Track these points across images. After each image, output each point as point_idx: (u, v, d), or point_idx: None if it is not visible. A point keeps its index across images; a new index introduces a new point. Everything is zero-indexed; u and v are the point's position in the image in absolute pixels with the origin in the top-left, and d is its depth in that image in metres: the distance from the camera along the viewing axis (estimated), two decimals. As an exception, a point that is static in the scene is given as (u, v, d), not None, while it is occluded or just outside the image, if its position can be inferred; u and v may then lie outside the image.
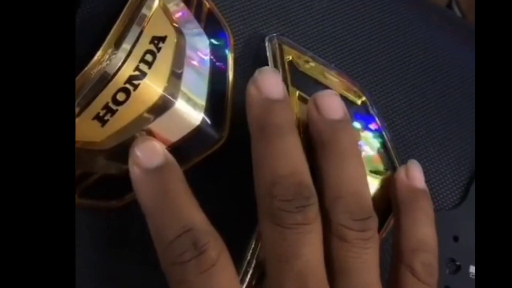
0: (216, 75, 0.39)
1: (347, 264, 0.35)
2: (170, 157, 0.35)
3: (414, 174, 0.41)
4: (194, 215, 0.33)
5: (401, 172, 0.41)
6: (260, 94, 0.36)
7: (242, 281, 0.37)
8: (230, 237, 0.37)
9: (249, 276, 0.37)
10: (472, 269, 0.46)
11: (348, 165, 0.36)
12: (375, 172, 0.42)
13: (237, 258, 0.37)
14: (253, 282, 0.37)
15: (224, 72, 0.40)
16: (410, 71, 0.50)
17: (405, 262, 0.37)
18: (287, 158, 0.34)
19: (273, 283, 0.34)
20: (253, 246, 0.38)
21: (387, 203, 0.42)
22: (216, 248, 0.33)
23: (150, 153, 0.34)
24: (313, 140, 0.38)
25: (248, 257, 0.38)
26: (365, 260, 0.35)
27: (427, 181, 0.45)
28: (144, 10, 0.36)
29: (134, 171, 0.34)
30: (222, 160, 0.40)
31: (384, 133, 0.44)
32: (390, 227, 0.42)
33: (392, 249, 0.39)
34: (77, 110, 0.34)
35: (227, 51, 0.41)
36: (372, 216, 0.36)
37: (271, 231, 0.34)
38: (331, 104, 0.38)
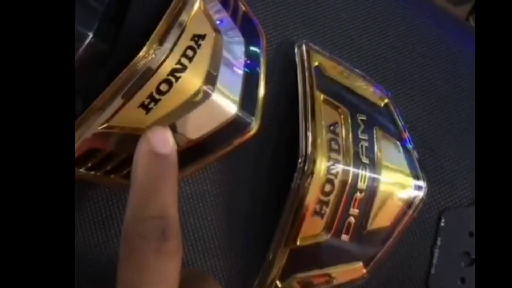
0: (249, 73, 0.41)
1: None
2: (175, 154, 0.36)
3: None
4: (172, 209, 0.35)
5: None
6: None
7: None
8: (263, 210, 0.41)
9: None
10: (486, 262, 0.47)
11: None
12: (396, 174, 0.43)
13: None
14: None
15: (257, 71, 0.42)
16: (430, 78, 0.51)
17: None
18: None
19: None
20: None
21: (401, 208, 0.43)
22: (176, 243, 0.34)
23: (164, 141, 0.36)
24: None
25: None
26: None
27: (445, 180, 0.46)
28: (185, 11, 0.38)
29: (143, 147, 0.35)
30: (253, 150, 0.42)
31: (405, 134, 0.46)
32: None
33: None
34: (124, 99, 0.36)
35: (259, 52, 0.43)
36: None
37: None
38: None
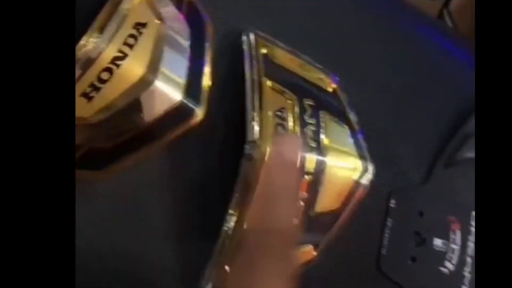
0: (195, 61, 0.41)
1: None
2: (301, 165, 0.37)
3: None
4: (295, 222, 0.35)
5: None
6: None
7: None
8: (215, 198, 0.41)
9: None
10: (435, 241, 0.48)
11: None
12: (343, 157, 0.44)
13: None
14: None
15: (202, 59, 0.42)
16: (379, 65, 0.52)
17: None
18: None
19: None
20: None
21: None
22: (295, 258, 0.36)
23: (295, 148, 0.37)
24: None
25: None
26: None
27: (393, 161, 0.47)
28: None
29: (273, 153, 0.36)
30: (200, 135, 0.42)
31: (352, 118, 0.46)
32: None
33: None
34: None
35: (205, 40, 0.43)
36: None
37: None
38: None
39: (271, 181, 0.35)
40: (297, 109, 0.43)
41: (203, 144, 0.44)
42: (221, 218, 0.40)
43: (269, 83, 0.43)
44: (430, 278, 0.48)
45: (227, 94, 0.45)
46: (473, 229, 0.49)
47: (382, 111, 0.50)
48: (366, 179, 0.43)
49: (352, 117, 0.45)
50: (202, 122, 0.41)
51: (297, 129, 0.42)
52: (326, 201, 0.42)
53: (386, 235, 0.48)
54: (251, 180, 0.39)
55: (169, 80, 0.39)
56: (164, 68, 0.38)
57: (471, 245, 0.48)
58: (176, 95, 0.39)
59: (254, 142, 0.40)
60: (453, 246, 0.48)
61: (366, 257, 0.48)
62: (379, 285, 0.48)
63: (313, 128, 0.42)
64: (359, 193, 0.43)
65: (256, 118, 0.40)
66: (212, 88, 0.42)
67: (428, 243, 0.48)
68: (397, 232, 0.48)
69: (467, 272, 0.48)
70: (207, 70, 0.42)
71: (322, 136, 0.43)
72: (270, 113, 0.41)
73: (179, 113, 0.39)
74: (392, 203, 0.49)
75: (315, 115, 0.43)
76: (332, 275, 0.46)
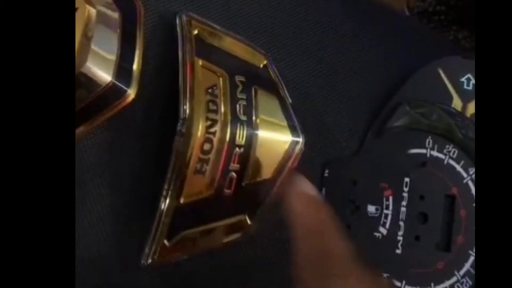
0: (125, 42, 0.43)
1: None
2: None
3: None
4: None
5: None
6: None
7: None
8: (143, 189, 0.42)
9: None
10: (369, 208, 0.50)
11: None
12: (274, 129, 0.46)
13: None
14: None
15: (133, 40, 0.44)
16: (311, 38, 0.54)
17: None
18: None
19: None
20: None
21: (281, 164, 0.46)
22: None
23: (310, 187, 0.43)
24: None
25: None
26: None
27: (327, 132, 0.49)
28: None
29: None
30: (131, 116, 0.44)
31: (284, 93, 0.48)
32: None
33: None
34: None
35: (136, 23, 0.44)
36: None
37: None
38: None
39: (308, 218, 0.41)
40: (228, 86, 0.44)
41: (139, 124, 0.45)
42: (158, 195, 0.42)
43: (200, 62, 0.44)
44: (365, 243, 0.50)
45: (162, 75, 0.46)
46: (404, 194, 0.51)
47: (313, 83, 0.51)
48: (297, 150, 0.45)
49: (283, 90, 0.47)
50: (135, 102, 0.42)
51: (228, 104, 0.43)
52: (258, 172, 0.44)
53: (321, 204, 0.50)
54: (183, 155, 0.41)
55: (99, 62, 0.40)
56: (94, 51, 0.40)
57: (403, 210, 0.51)
58: (107, 76, 0.40)
59: (185, 119, 0.41)
60: (386, 211, 0.51)
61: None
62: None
63: (244, 103, 0.44)
64: (291, 163, 0.45)
65: (187, 95, 0.42)
66: (145, 68, 0.43)
67: (362, 210, 0.51)
68: (332, 201, 0.50)
69: (400, 236, 0.50)
70: (138, 50, 0.43)
71: (253, 110, 0.44)
72: (201, 91, 0.43)
73: (111, 93, 0.40)
74: (326, 173, 0.51)
75: (246, 90, 0.45)
76: (269, 241, 0.48)
